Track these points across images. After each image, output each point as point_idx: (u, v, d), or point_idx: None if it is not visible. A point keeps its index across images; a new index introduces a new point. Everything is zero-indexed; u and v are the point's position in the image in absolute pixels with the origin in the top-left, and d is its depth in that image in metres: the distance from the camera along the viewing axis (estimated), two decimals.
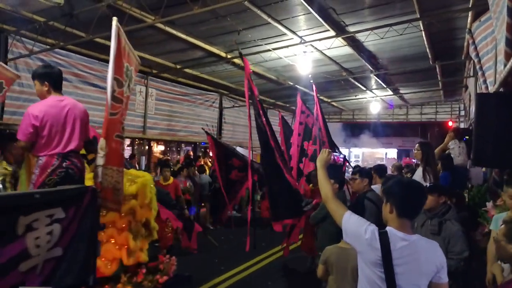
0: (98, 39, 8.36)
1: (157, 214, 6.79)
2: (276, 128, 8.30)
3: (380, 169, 6.08)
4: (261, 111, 6.04)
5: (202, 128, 9.74)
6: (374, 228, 2.33)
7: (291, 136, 8.54)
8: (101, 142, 3.32)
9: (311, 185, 7.39)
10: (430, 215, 3.99)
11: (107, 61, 10.63)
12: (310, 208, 6.13)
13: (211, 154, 8.58)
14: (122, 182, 3.68)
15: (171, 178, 8.47)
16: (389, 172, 9.14)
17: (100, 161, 3.30)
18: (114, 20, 3.51)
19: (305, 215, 6.26)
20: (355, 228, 2.38)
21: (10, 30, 7.91)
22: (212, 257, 8.21)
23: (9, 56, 8.01)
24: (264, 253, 8.42)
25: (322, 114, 8.29)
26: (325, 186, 2.70)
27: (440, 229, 3.88)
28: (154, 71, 11.84)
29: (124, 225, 4.20)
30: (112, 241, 4.12)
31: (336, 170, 6.35)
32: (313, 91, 8.74)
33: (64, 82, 9.23)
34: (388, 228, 2.34)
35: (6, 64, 7.98)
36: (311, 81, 8.93)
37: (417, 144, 5.59)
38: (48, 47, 8.39)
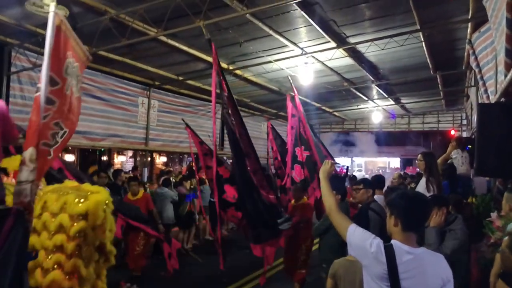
0: (101, 52, 8.43)
1: (127, 232, 6.51)
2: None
3: (377, 181, 5.95)
4: (230, 110, 5.54)
5: (182, 119, 8.88)
6: (379, 241, 2.31)
7: (286, 143, 8.28)
8: (30, 152, 2.74)
9: (292, 201, 6.88)
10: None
11: (111, 74, 10.74)
12: (287, 227, 5.84)
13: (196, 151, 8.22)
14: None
15: (141, 192, 7.94)
16: (391, 181, 9.16)
17: (28, 175, 2.74)
18: (52, 5, 2.91)
19: (284, 235, 5.96)
20: (360, 241, 2.36)
21: (13, 44, 7.99)
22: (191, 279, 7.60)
23: (12, 69, 8.07)
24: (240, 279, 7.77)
25: (304, 118, 7.84)
26: (329, 198, 2.67)
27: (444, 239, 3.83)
28: (157, 83, 11.91)
29: (73, 250, 3.60)
30: (59, 269, 3.53)
31: (338, 181, 6.33)
32: (313, 101, 8.63)
33: None
34: (393, 241, 2.33)
35: (9, 78, 8.09)
36: (290, 81, 8.40)
37: (419, 155, 5.55)
38: None
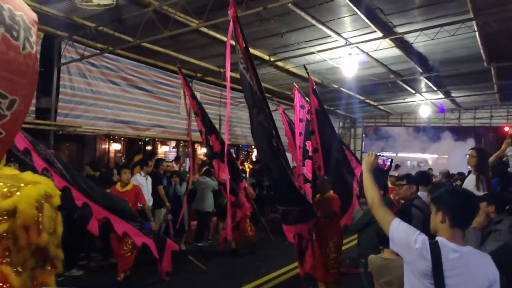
0: (145, 44, 8.56)
1: (111, 229, 5.83)
2: (281, 126, 7.44)
3: (421, 177, 5.70)
4: (249, 65, 4.86)
5: (177, 63, 7.97)
6: (425, 237, 2.22)
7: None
8: None
9: (318, 195, 6.45)
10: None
11: (155, 66, 10.94)
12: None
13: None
14: None
15: (131, 183, 6.97)
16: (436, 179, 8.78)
17: None
18: None
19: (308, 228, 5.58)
20: (404, 237, 2.27)
21: (63, 36, 8.25)
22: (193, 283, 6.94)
23: (62, 60, 8.34)
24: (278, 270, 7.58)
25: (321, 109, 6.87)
26: (371, 190, 2.59)
27: (485, 239, 3.63)
28: (199, 75, 12.01)
29: None
30: None
31: (381, 175, 6.05)
32: (357, 93, 8.28)
33: (112, 86, 9.66)
34: (439, 239, 2.23)
35: (59, 69, 8.38)
36: (307, 70, 7.25)
37: (472, 150, 5.25)
38: (98, 51, 8.70)
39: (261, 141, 4.91)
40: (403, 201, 5.05)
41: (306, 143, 7.35)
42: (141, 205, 7.03)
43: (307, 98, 7.33)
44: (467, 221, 2.30)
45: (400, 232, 2.30)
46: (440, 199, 2.30)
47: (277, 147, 4.89)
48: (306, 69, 7.29)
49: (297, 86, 7.75)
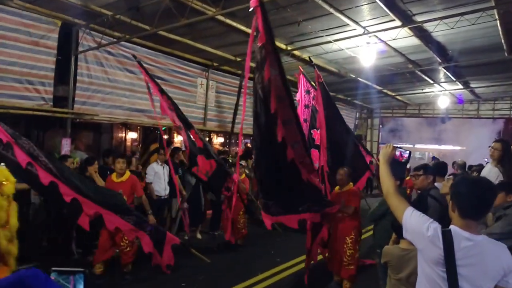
0: (162, 32, 8.58)
1: (103, 224, 5.62)
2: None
3: (438, 167, 5.56)
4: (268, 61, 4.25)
5: (133, 55, 8.00)
6: (437, 225, 2.22)
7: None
8: None
9: (337, 187, 6.18)
10: (493, 211, 3.75)
11: (171, 54, 10.97)
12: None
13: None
14: None
15: (127, 173, 6.56)
16: (451, 170, 8.66)
17: None
18: None
19: (326, 226, 5.53)
20: (417, 225, 2.27)
21: (80, 24, 8.32)
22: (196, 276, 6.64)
23: (80, 48, 8.42)
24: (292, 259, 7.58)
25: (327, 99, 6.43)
26: (387, 180, 2.60)
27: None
28: (215, 64, 12.00)
29: None
30: None
31: (399, 167, 5.93)
32: (375, 84, 8.01)
33: (129, 74, 9.72)
34: (452, 227, 2.22)
35: (77, 57, 8.46)
36: (312, 62, 7.03)
37: (495, 143, 5.16)
38: (115, 40, 8.75)
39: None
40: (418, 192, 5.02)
41: (312, 131, 7.17)
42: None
43: (313, 83, 7.07)
44: (477, 212, 2.23)
45: (413, 221, 2.30)
46: (452, 189, 2.30)
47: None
48: (311, 61, 7.11)
49: (302, 70, 7.41)
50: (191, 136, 7.13)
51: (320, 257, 6.77)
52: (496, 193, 2.66)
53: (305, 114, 7.19)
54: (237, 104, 12.47)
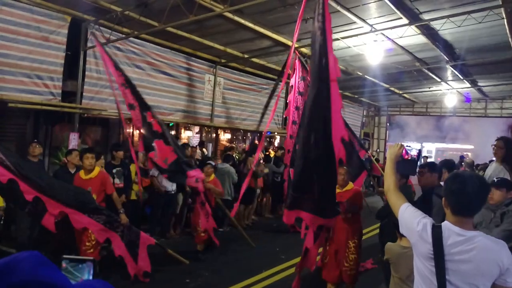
0: (170, 28, 8.65)
1: (66, 223, 5.22)
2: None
3: (445, 165, 5.59)
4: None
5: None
6: (428, 220, 2.25)
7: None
8: None
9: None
10: (493, 208, 3.77)
11: (179, 51, 11.02)
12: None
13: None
14: None
15: (97, 169, 6.08)
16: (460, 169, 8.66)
17: None
18: None
19: (325, 233, 5.03)
20: (410, 219, 2.33)
21: (89, 20, 8.40)
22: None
23: (89, 44, 8.50)
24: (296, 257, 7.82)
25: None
26: (390, 177, 2.64)
27: (502, 220, 3.65)
28: (223, 61, 12.07)
29: None
30: None
31: (408, 164, 5.58)
32: (382, 81, 7.68)
33: (137, 70, 9.79)
34: (444, 222, 2.25)
35: (85, 53, 8.54)
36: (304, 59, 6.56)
37: (497, 141, 5.15)
38: (123, 36, 8.82)
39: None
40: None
41: None
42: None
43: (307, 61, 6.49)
44: (467, 209, 2.19)
45: (406, 215, 2.36)
46: (444, 185, 2.32)
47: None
48: (303, 56, 6.62)
49: (299, 54, 6.96)
50: (147, 118, 6.53)
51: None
52: (489, 190, 2.65)
53: (298, 102, 6.77)
54: (266, 106, 12.33)
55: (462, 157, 15.77)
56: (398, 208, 2.42)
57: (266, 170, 10.62)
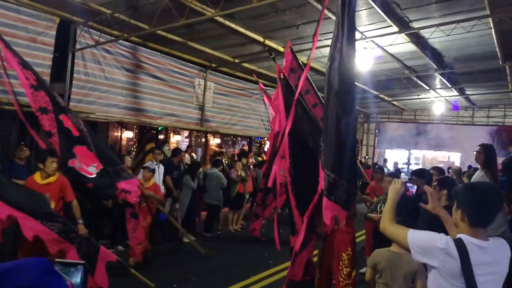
0: (160, 32, 8.60)
1: (17, 233, 4.72)
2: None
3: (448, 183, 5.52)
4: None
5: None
6: (447, 237, 2.16)
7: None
8: None
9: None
10: None
11: (169, 54, 10.94)
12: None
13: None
14: None
15: (56, 174, 5.42)
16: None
17: None
18: None
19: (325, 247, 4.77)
20: (426, 241, 2.19)
21: (79, 22, 8.32)
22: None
23: (77, 46, 8.41)
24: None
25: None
26: (387, 215, 2.51)
27: None
28: (213, 65, 12.04)
29: None
30: None
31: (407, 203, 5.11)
32: (371, 88, 7.64)
33: (127, 73, 9.71)
34: (461, 236, 2.16)
35: (74, 55, 8.44)
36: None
37: (479, 147, 5.23)
38: (113, 38, 8.75)
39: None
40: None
41: None
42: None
43: (300, 62, 6.31)
44: (487, 219, 2.19)
45: (419, 239, 2.23)
46: (457, 196, 2.24)
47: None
48: (271, 54, 6.11)
49: (290, 45, 6.52)
50: (63, 123, 5.72)
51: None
52: (502, 198, 2.57)
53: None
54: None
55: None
56: (405, 236, 2.27)
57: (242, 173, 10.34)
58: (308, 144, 4.87)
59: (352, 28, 3.86)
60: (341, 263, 4.99)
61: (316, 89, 5.98)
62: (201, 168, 9.77)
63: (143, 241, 6.51)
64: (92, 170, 5.53)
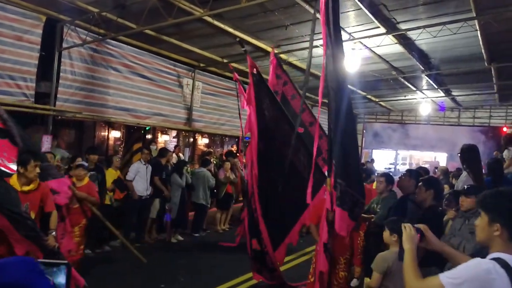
0: (148, 31, 8.56)
1: None
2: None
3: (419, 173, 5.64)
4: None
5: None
6: (489, 261, 1.88)
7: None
8: None
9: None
10: (468, 215, 3.73)
11: (158, 54, 10.87)
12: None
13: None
14: None
15: (37, 181, 4.54)
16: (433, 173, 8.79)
17: None
18: None
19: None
20: (466, 274, 1.86)
21: (65, 20, 8.23)
22: None
23: (64, 45, 8.32)
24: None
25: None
26: (410, 271, 2.15)
27: None
28: (202, 65, 12.00)
29: None
30: None
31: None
32: (359, 89, 7.62)
33: (114, 72, 9.63)
34: (501, 255, 1.89)
35: (61, 54, 8.35)
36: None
37: (460, 149, 5.32)
38: (100, 37, 8.67)
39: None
40: None
41: None
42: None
43: (284, 67, 6.18)
44: None
45: (457, 276, 1.89)
46: (496, 207, 1.97)
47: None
48: (243, 46, 5.96)
49: (275, 51, 6.42)
50: None
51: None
52: None
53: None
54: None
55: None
56: (439, 284, 1.91)
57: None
58: (280, 149, 4.66)
59: (339, 36, 3.82)
60: (337, 267, 4.94)
61: (300, 93, 5.80)
62: (188, 167, 9.75)
63: (74, 249, 5.50)
64: (14, 167, 4.66)
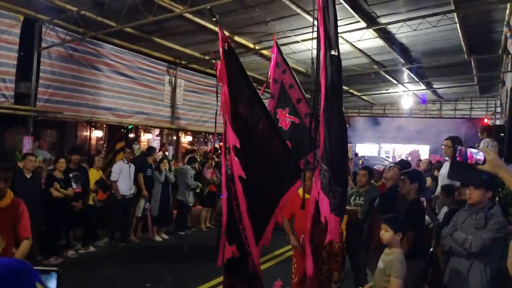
0: (128, 29, 8.47)
1: None
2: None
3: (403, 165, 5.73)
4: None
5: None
6: None
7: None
8: None
9: (300, 191, 4.33)
10: (476, 210, 3.69)
11: (138, 52, 10.75)
12: None
13: None
14: None
15: (10, 195, 3.53)
16: (416, 164, 8.89)
17: None
18: None
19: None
20: None
21: (44, 19, 8.10)
22: None
23: (43, 44, 8.19)
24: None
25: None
26: None
27: (486, 223, 3.57)
28: (183, 62, 11.94)
29: None
30: None
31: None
32: None
33: (95, 72, 9.51)
34: None
35: (40, 53, 8.21)
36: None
37: (446, 140, 5.36)
38: (79, 36, 8.56)
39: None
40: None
41: (277, 110, 5.73)
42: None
43: (284, 56, 6.12)
44: None
45: None
46: None
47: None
48: (214, 16, 5.44)
49: (276, 40, 6.59)
50: None
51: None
52: None
53: (274, 90, 5.94)
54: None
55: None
56: None
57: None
58: (253, 137, 4.12)
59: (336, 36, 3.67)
60: (320, 261, 4.71)
61: (299, 84, 5.86)
62: (172, 166, 9.72)
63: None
64: None
